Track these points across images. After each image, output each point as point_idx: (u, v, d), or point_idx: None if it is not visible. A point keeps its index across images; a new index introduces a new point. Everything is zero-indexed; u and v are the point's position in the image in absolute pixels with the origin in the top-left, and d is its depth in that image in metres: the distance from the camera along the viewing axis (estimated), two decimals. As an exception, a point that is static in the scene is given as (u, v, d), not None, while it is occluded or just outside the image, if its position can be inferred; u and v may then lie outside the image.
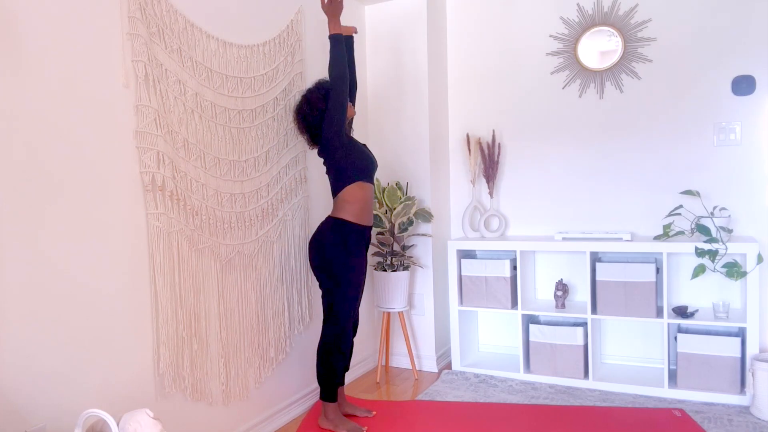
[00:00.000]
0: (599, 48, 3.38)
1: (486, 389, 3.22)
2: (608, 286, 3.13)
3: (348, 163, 2.65)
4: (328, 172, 2.74)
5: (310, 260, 2.71)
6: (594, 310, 3.22)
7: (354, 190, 2.66)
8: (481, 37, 3.69)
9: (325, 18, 2.94)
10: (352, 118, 2.89)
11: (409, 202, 3.39)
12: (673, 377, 3.09)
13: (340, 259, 2.62)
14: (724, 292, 3.15)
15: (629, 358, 3.41)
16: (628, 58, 3.30)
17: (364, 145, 2.80)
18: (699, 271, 2.88)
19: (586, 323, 3.25)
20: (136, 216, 2.09)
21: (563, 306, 3.34)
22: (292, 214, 2.91)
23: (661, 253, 3.03)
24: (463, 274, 3.49)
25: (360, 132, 3.56)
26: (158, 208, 2.14)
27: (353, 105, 2.86)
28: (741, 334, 2.93)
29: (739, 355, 2.86)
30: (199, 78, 2.36)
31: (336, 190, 2.69)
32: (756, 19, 3.03)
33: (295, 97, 2.90)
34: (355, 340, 3.16)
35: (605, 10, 3.33)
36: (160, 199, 2.15)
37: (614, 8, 3.30)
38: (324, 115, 2.64)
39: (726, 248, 2.86)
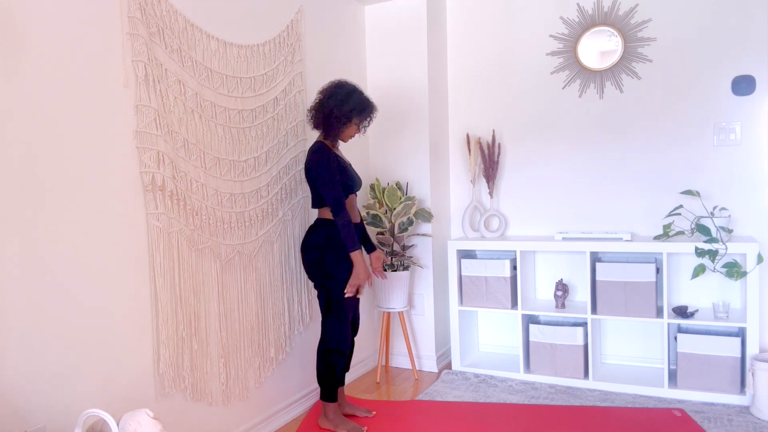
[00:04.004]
0: (599, 48, 3.38)
1: (486, 389, 3.22)
2: (608, 286, 3.13)
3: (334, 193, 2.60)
4: (309, 187, 2.71)
5: (303, 262, 2.71)
6: (594, 310, 3.22)
7: None
8: (481, 37, 3.69)
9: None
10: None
11: (409, 202, 3.39)
12: (673, 377, 3.09)
13: (331, 258, 2.62)
14: (724, 292, 3.15)
15: (629, 358, 3.41)
16: (628, 58, 3.30)
17: (348, 164, 2.73)
18: (699, 271, 2.88)
19: (586, 323, 3.25)
20: (136, 216, 2.09)
21: (563, 306, 3.34)
22: (292, 214, 2.91)
23: (661, 253, 3.03)
24: (463, 274, 3.49)
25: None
26: (158, 208, 2.14)
27: (363, 129, 2.76)
28: (741, 334, 2.93)
29: (739, 355, 2.86)
30: (199, 78, 2.36)
31: (319, 206, 2.68)
32: (756, 19, 3.03)
33: (295, 97, 2.90)
34: (355, 340, 3.16)
35: (605, 10, 3.33)
36: (160, 199, 2.15)
37: (614, 8, 3.30)
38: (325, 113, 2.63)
39: (726, 248, 2.86)
